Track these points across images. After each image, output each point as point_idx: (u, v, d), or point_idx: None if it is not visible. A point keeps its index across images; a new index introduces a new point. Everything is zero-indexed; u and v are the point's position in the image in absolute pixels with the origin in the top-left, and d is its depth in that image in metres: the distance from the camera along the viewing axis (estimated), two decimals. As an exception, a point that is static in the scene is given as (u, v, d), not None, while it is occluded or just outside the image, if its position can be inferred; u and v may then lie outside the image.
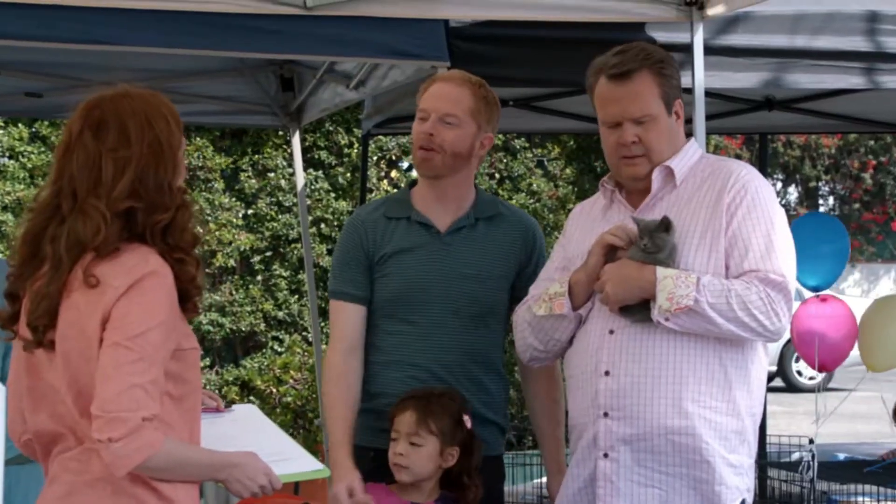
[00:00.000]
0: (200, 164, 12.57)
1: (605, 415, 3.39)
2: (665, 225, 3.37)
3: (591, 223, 3.62)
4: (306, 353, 11.94)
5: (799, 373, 17.48)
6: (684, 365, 3.36)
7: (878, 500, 7.08)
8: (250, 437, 3.20)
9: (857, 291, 26.15)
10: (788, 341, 16.98)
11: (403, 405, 3.63)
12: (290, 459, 3.13)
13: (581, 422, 3.47)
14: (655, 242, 3.36)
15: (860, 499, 7.19)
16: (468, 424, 3.65)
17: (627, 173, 3.53)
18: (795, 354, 17.44)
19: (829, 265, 7.38)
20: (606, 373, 3.39)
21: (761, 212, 3.41)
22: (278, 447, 3.19)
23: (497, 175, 13.52)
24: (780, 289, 3.33)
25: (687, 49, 4.61)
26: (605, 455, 3.40)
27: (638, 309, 3.38)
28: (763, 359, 3.51)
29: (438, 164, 3.82)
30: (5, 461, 2.13)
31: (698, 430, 3.35)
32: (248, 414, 3.41)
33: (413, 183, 4.00)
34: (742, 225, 3.38)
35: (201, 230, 2.96)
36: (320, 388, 4.24)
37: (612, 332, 3.42)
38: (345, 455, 3.67)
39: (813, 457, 6.17)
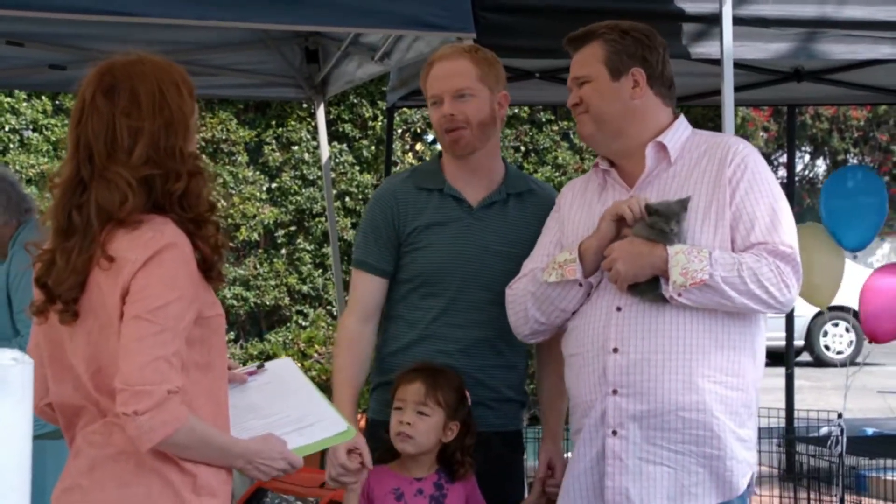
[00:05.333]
0: (224, 137, 12.58)
1: (615, 392, 3.38)
2: (684, 204, 3.37)
3: (588, 203, 3.62)
4: (331, 328, 11.95)
5: (827, 347, 17.42)
6: (694, 340, 3.35)
7: (908, 475, 7.06)
8: (276, 405, 3.18)
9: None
10: (816, 315, 17.00)
11: (410, 377, 3.62)
12: (312, 425, 3.10)
13: (587, 399, 3.45)
14: (682, 225, 3.36)
15: (889, 474, 7.19)
16: (469, 401, 3.66)
17: (579, 132, 3.66)
18: (823, 329, 17.39)
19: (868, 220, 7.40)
20: (615, 350, 3.38)
21: (763, 185, 3.42)
22: (302, 411, 3.16)
23: (522, 148, 13.50)
24: (790, 260, 3.35)
25: (715, 19, 4.59)
26: (614, 433, 3.38)
27: (648, 286, 3.37)
28: (764, 330, 3.51)
29: (469, 140, 3.81)
30: (36, 436, 2.13)
31: (709, 405, 3.34)
32: (277, 374, 3.36)
33: (441, 153, 3.98)
34: (745, 198, 3.39)
35: (219, 197, 2.95)
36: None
37: (619, 308, 3.41)
38: (347, 415, 3.65)
39: (842, 431, 6.16)
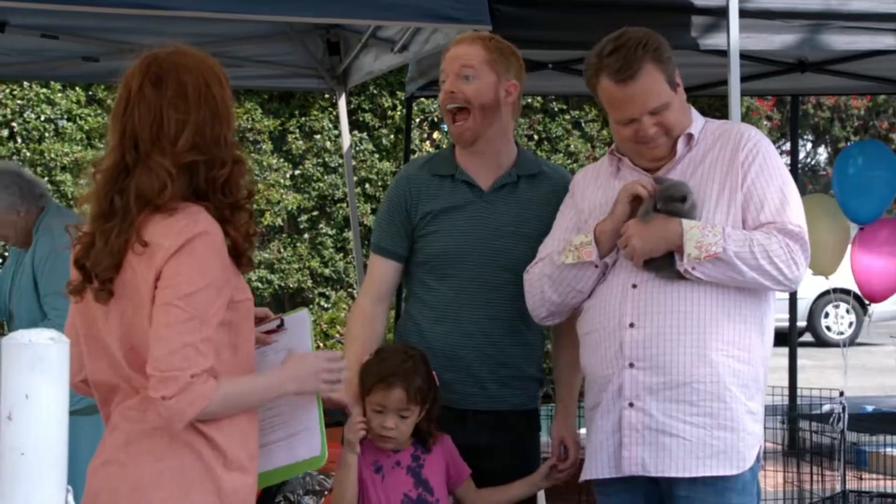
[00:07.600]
0: (249, 127, 12.58)
1: (631, 365, 3.39)
2: (683, 197, 3.38)
3: (602, 187, 3.62)
4: (352, 309, 11.96)
5: (828, 328, 17.40)
6: (707, 315, 3.36)
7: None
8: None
9: (885, 249, 25.92)
10: (818, 297, 16.96)
11: (389, 382, 3.56)
12: (299, 434, 3.05)
13: (604, 374, 3.46)
14: (668, 208, 3.37)
15: (889, 449, 7.17)
16: (437, 381, 3.66)
17: (651, 156, 3.53)
18: (825, 310, 17.36)
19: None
20: (631, 325, 3.39)
21: (773, 168, 3.45)
22: (294, 411, 3.08)
23: (535, 136, 13.48)
24: (798, 238, 3.36)
25: (722, 12, 4.56)
26: (631, 405, 3.40)
27: (663, 262, 3.38)
28: (773, 309, 3.52)
29: (471, 127, 3.81)
30: (70, 412, 2.14)
31: (723, 377, 3.35)
32: (291, 337, 3.28)
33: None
34: (756, 181, 3.41)
35: (254, 185, 2.96)
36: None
37: (634, 286, 3.42)
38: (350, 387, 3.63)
39: (843, 409, 6.14)
